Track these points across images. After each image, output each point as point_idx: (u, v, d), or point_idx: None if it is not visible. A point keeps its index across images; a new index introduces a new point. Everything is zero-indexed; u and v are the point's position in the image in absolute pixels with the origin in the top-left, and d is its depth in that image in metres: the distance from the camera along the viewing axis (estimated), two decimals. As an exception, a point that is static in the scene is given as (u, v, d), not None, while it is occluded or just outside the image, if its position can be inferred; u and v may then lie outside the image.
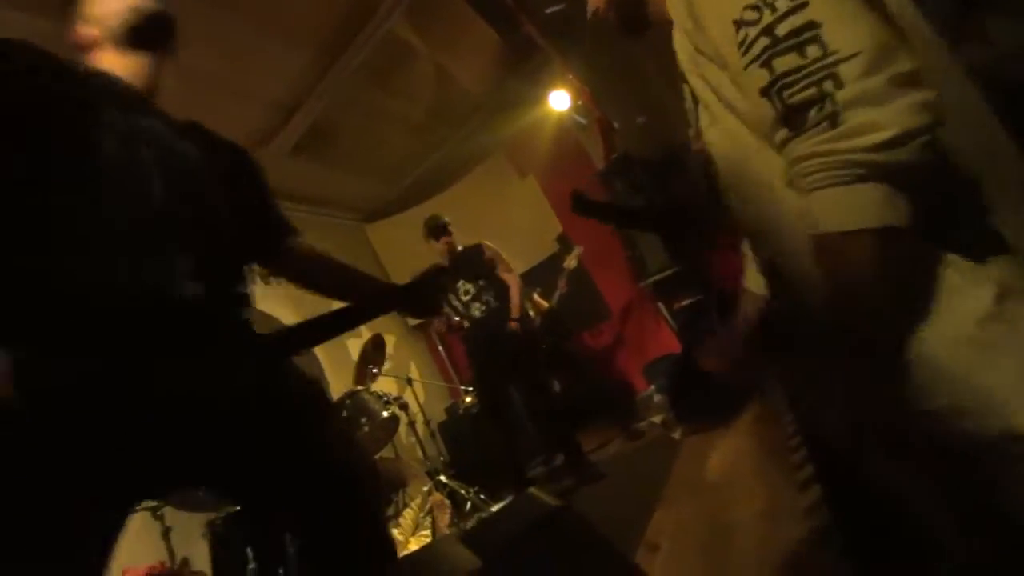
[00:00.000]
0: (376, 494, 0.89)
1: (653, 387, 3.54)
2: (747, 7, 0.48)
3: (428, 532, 2.06)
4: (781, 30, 0.46)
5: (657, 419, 2.81)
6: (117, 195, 0.69)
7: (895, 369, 0.49)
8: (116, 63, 0.81)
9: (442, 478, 2.40)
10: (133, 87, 0.80)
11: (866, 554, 0.89)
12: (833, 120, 0.45)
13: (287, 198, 3.85)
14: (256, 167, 0.98)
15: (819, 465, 1.24)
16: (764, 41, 0.47)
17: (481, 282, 2.54)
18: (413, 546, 2.03)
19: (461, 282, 2.55)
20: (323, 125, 3.37)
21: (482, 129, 4.19)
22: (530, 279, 4.01)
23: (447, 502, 2.23)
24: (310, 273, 0.99)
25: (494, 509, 2.41)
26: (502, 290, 2.56)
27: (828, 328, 0.56)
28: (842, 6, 0.46)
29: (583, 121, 3.96)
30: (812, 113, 0.45)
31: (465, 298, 2.52)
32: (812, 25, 0.45)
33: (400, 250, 4.51)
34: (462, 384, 3.77)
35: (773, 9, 0.46)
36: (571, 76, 3.67)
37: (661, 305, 3.74)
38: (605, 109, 3.62)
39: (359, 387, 2.42)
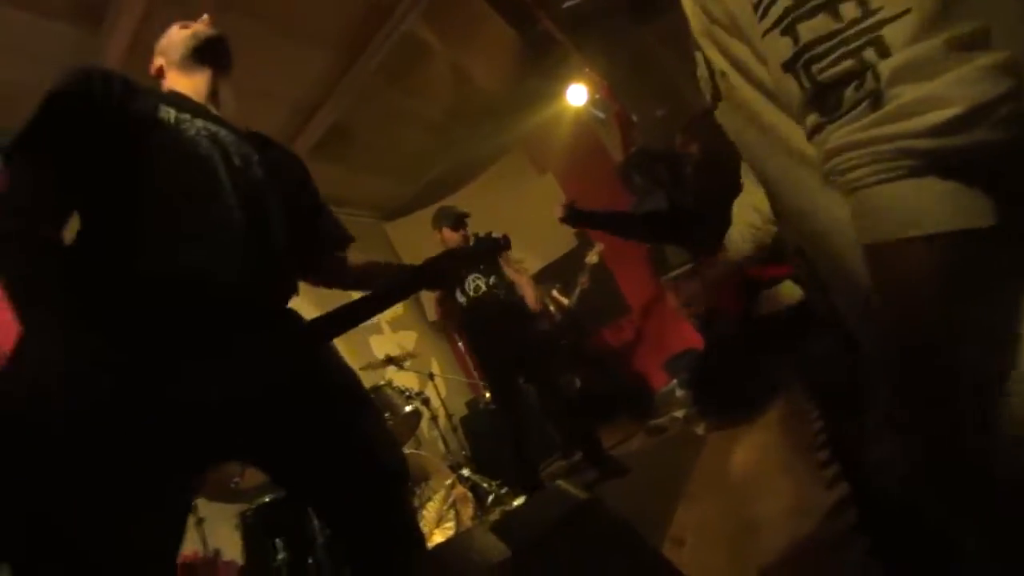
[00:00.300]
0: (406, 484, 0.92)
1: (675, 382, 3.51)
2: None
3: (452, 525, 2.10)
4: None
5: (679, 414, 2.79)
6: (184, 192, 0.76)
7: (968, 391, 0.40)
8: (181, 83, 0.91)
9: (465, 472, 2.43)
10: (196, 100, 0.89)
11: (893, 554, 0.88)
12: (877, 99, 0.35)
13: (309, 198, 3.93)
14: (309, 177, 1.04)
15: (845, 464, 1.22)
16: (785, 1, 0.37)
17: (492, 279, 2.50)
18: (438, 538, 2.07)
19: (472, 276, 2.50)
20: (343, 126, 3.42)
21: (500, 126, 4.19)
22: (549, 275, 4.01)
23: (470, 495, 2.26)
24: (357, 283, 1.04)
25: (516, 503, 2.43)
26: (511, 286, 2.56)
27: (880, 345, 0.48)
28: None
29: (601, 115, 3.93)
30: (850, 91, 0.35)
31: (475, 295, 2.49)
32: None
33: (420, 247, 4.54)
34: (482, 380, 3.80)
35: None
36: (589, 70, 3.65)
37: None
38: (624, 102, 3.59)
39: (381, 382, 2.46)
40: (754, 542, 1.15)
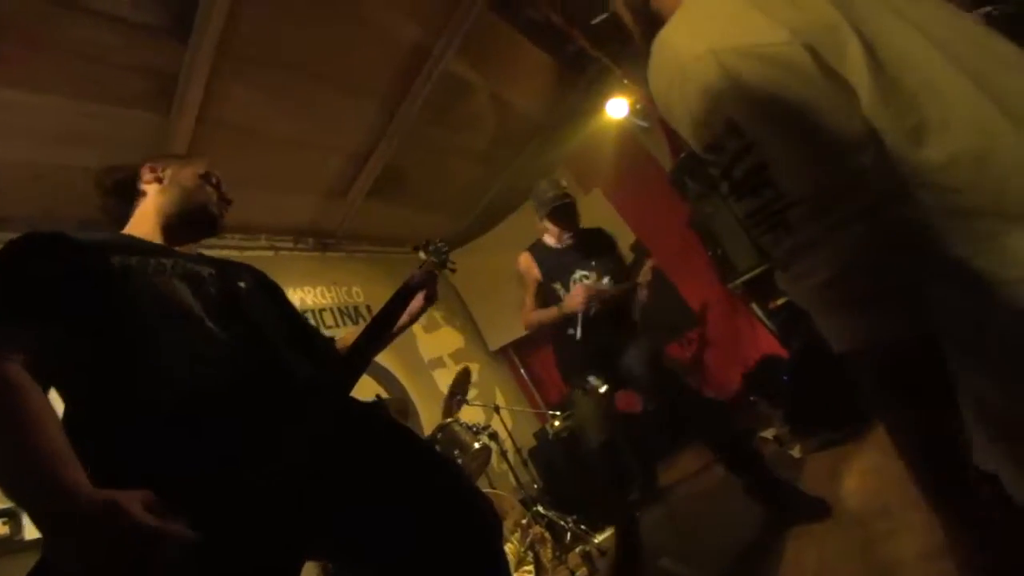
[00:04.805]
0: (498, 529, 0.86)
1: (757, 397, 3.22)
2: (707, 145, 0.55)
3: (531, 568, 1.99)
4: (737, 172, 0.51)
5: (768, 434, 2.53)
6: (159, 328, 0.74)
7: None
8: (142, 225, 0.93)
9: (540, 508, 2.32)
10: (147, 240, 0.90)
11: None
12: (785, 265, 0.53)
13: (364, 240, 4.07)
14: (275, 284, 1.05)
15: (993, 486, 1.02)
16: (727, 184, 0.54)
17: (594, 262, 2.17)
18: (518, 582, 1.97)
19: (577, 271, 2.18)
20: (395, 167, 3.55)
21: (543, 148, 4.19)
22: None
23: (547, 535, 2.15)
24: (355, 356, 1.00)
25: (597, 540, 2.29)
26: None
27: None
28: (789, 133, 0.47)
29: (645, 124, 3.83)
30: (774, 254, 0.54)
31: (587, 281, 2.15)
32: (761, 166, 0.49)
33: (476, 277, 4.58)
34: (548, 408, 3.70)
35: (725, 150, 0.51)
36: (627, 81, 3.57)
37: (755, 306, 3.44)
38: (668, 108, 3.47)
39: (449, 419, 2.43)
40: (891, 593, 0.97)
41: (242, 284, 0.91)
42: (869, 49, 0.47)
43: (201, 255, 0.95)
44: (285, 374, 0.78)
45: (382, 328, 1.02)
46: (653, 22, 0.64)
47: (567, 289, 2.10)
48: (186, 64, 2.23)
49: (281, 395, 0.74)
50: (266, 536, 0.63)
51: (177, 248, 0.91)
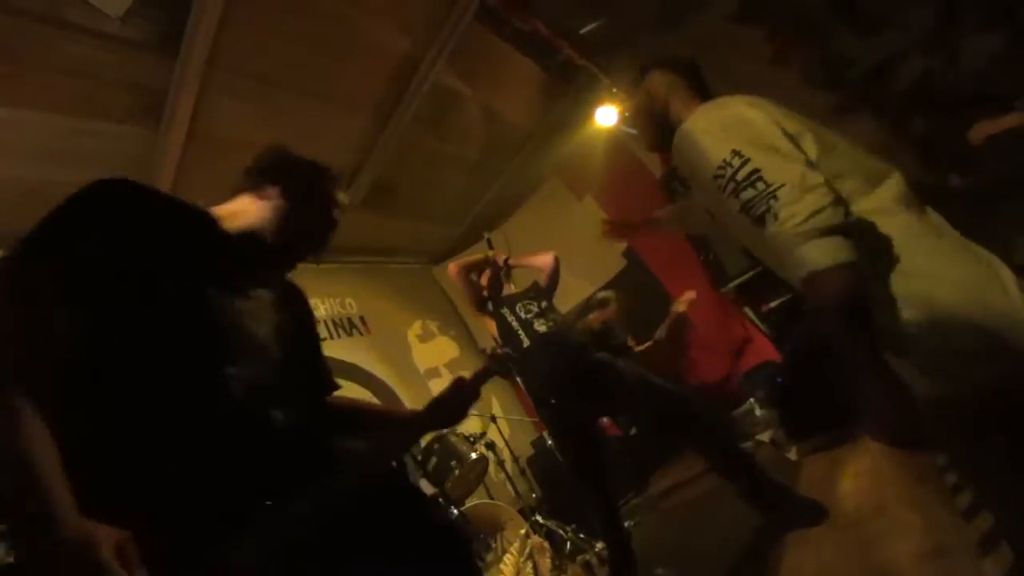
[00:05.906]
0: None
1: (752, 400, 3.24)
2: (718, 167, 0.86)
3: (531, 579, 1.98)
4: (739, 176, 0.82)
5: (764, 437, 2.55)
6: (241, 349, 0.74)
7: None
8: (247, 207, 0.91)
9: (538, 518, 2.31)
10: (238, 228, 0.87)
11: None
12: (775, 217, 0.79)
13: (357, 251, 4.06)
14: (313, 318, 1.00)
15: (981, 486, 1.03)
16: (732, 185, 0.83)
17: (544, 303, 2.30)
18: (518, 594, 1.95)
19: (522, 303, 2.31)
20: (386, 179, 3.55)
21: (534, 157, 4.21)
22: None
23: (546, 545, 2.14)
24: (342, 423, 0.98)
25: (597, 549, 2.27)
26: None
27: None
28: (772, 156, 0.82)
29: (634, 131, 3.86)
30: (768, 216, 0.80)
31: (526, 316, 2.25)
32: (756, 171, 0.81)
33: (468, 287, 4.57)
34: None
35: (731, 166, 0.83)
36: (616, 89, 3.61)
37: (748, 310, 3.46)
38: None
39: (445, 430, 2.42)
40: (889, 595, 0.98)
41: (281, 319, 0.85)
42: (817, 136, 0.87)
43: (272, 276, 0.90)
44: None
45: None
46: (667, 123, 1.06)
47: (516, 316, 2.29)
48: (175, 79, 2.23)
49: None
50: None
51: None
